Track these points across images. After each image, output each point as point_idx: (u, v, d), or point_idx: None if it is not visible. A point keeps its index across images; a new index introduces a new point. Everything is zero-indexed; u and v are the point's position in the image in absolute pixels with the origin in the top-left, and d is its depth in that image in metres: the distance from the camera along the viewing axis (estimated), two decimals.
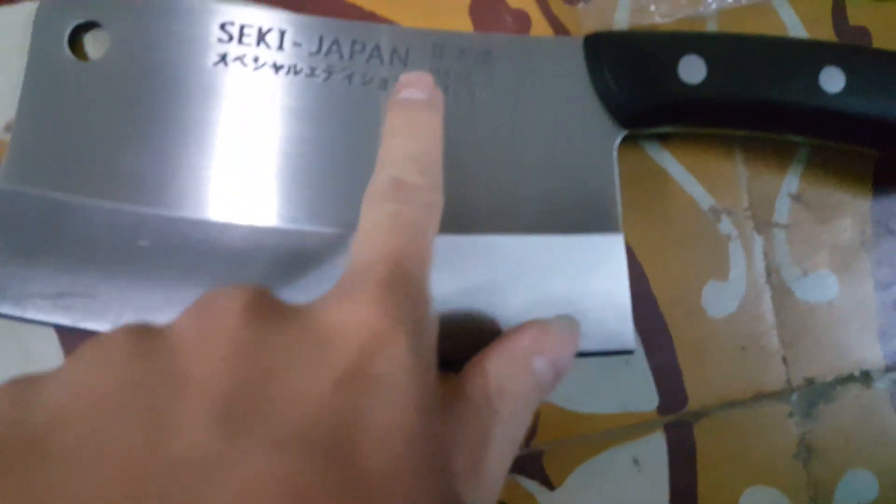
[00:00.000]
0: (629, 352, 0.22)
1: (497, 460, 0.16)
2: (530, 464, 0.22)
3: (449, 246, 0.22)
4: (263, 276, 0.21)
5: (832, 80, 0.22)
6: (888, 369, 0.24)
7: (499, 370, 0.17)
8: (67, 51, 0.22)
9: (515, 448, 0.17)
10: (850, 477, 0.24)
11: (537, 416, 0.22)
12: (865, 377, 0.24)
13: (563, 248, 0.23)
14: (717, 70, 0.22)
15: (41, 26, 0.22)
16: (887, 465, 0.24)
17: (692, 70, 0.22)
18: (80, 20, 0.22)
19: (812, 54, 0.22)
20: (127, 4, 0.23)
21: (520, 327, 0.19)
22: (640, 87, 0.23)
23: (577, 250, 0.23)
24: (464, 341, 0.21)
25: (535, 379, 0.18)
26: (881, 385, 0.24)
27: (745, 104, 0.23)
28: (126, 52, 0.22)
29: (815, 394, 0.24)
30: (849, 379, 0.24)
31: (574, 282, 0.22)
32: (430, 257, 0.18)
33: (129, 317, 0.21)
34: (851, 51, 0.23)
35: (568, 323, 0.19)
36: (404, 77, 0.22)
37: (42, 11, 0.22)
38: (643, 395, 0.23)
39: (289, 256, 0.22)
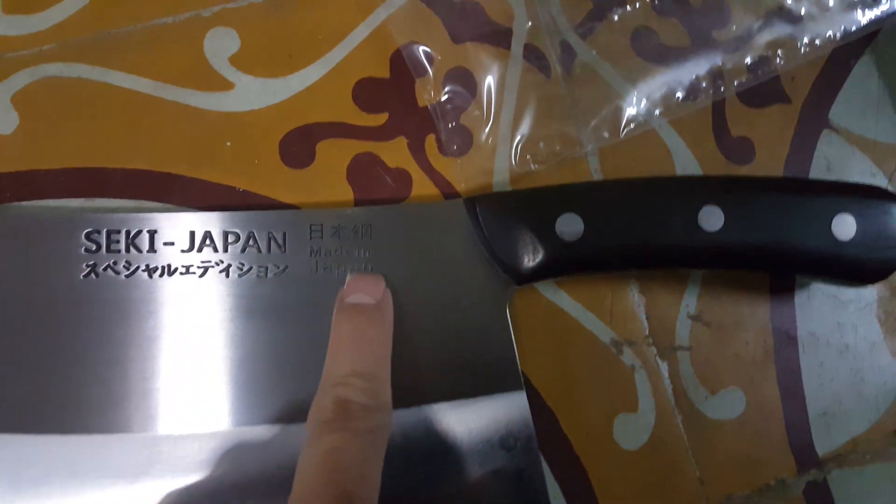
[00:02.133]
0: None
1: None
2: None
3: None
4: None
5: (711, 219, 0.22)
6: (800, 473, 0.25)
7: None
8: None
9: None
10: None
11: None
12: (781, 485, 0.25)
13: (466, 413, 0.23)
14: (593, 225, 0.22)
15: None
16: None
17: (569, 228, 0.22)
18: None
19: (689, 195, 0.22)
20: None
21: None
22: (520, 247, 0.22)
23: (481, 413, 0.23)
24: None
25: None
26: (797, 490, 0.25)
27: (625, 252, 0.23)
28: None
29: None
30: (766, 489, 0.25)
31: (480, 446, 0.22)
32: (375, 491, 0.18)
33: None
34: (728, 186, 0.23)
35: None
36: (353, 280, 0.21)
37: None
38: None
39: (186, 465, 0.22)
